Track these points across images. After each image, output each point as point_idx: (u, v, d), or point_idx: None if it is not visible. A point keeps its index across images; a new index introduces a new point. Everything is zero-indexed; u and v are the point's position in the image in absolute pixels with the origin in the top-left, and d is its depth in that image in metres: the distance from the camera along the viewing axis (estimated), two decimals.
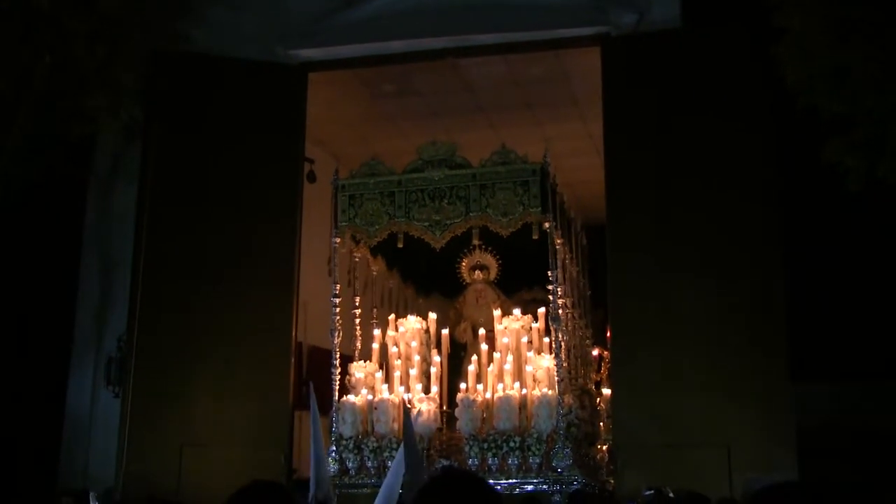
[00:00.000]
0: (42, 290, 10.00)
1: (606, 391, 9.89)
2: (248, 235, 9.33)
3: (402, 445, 6.95)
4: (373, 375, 8.80)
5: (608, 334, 9.51)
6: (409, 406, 7.73)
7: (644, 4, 9.25)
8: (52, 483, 9.33)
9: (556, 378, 8.20)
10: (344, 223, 8.78)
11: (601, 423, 9.76)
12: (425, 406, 8.34)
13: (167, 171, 9.56)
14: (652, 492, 7.30)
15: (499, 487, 7.87)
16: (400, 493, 5.41)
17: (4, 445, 9.47)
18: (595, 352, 10.57)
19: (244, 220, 9.37)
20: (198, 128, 9.54)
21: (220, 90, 9.65)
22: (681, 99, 8.88)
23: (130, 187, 9.77)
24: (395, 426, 8.46)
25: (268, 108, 9.65)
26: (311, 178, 10.38)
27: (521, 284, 10.00)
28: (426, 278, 10.60)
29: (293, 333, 9.39)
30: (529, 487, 7.91)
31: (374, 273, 9.72)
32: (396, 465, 5.88)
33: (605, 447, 9.56)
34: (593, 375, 10.40)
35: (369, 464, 8.33)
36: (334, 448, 8.57)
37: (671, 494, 6.94)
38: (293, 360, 9.40)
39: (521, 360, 8.53)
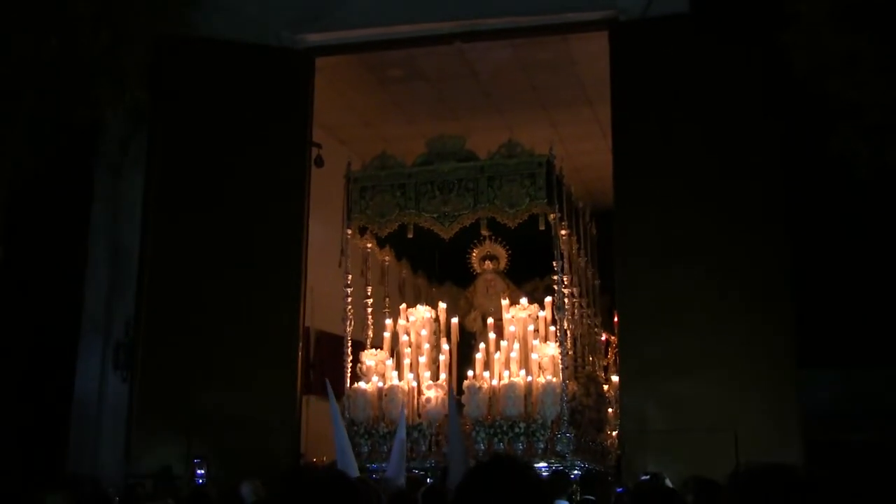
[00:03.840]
0: (50, 275, 10.11)
1: (615, 378, 10.01)
2: (256, 220, 9.55)
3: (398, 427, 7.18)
4: (383, 363, 9.01)
5: (615, 319, 9.61)
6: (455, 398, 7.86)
7: None
8: (62, 467, 9.45)
9: (560, 365, 8.34)
10: (356, 214, 9.20)
11: (609, 410, 9.89)
12: (434, 393, 8.54)
13: (174, 156, 9.76)
14: (648, 477, 7.48)
15: None
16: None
17: (14, 430, 9.60)
18: (602, 337, 10.68)
19: (251, 205, 9.60)
20: (204, 113, 9.73)
21: (226, 75, 9.84)
22: (688, 84, 9.08)
23: (137, 172, 9.94)
24: (405, 412, 8.64)
25: (274, 93, 9.85)
26: (319, 162, 10.54)
27: (532, 274, 10.15)
28: (438, 268, 10.76)
29: (301, 318, 9.53)
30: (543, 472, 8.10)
31: (387, 263, 9.88)
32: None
33: (614, 433, 9.70)
34: (602, 361, 10.52)
35: (381, 448, 8.48)
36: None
37: (667, 480, 7.11)
38: (301, 344, 9.50)
39: (527, 348, 8.77)
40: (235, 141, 9.82)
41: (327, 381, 7.10)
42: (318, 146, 10.75)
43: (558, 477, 7.53)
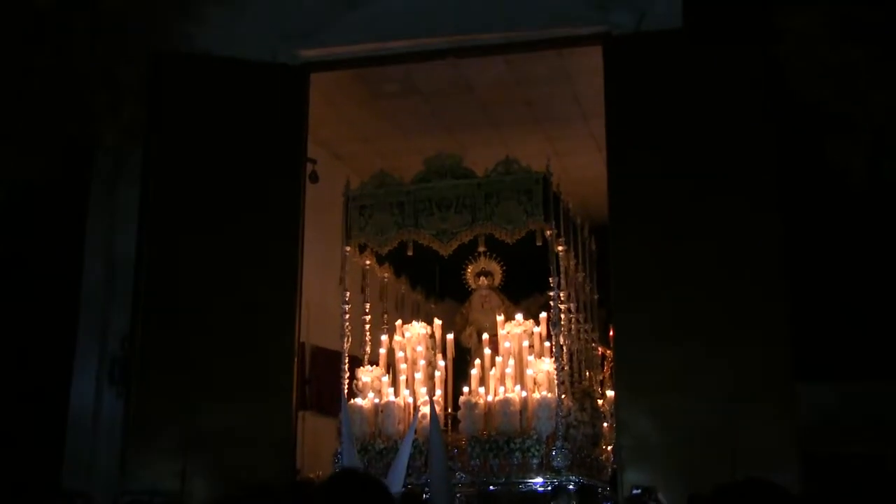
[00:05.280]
0: (45, 290, 10.08)
1: (611, 392, 10.00)
2: (251, 236, 9.60)
3: (403, 443, 7.25)
4: (379, 379, 9.07)
5: (611, 333, 9.58)
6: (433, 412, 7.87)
7: (646, 3, 9.48)
8: (56, 484, 9.38)
9: (555, 381, 8.35)
10: (355, 233, 9.43)
11: (605, 424, 9.88)
12: (429, 409, 8.52)
13: (169, 172, 9.78)
14: (640, 491, 7.47)
15: (499, 486, 8.37)
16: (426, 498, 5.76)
17: (8, 446, 9.55)
18: (598, 351, 10.66)
19: (247, 220, 9.65)
20: (200, 128, 9.80)
21: (221, 90, 9.92)
22: (682, 98, 9.15)
23: (133, 187, 9.95)
24: (401, 428, 8.67)
25: (269, 108, 9.91)
26: (314, 178, 10.58)
27: (530, 289, 10.17)
28: (435, 284, 10.81)
29: (296, 334, 9.57)
30: (538, 487, 8.11)
31: (385, 280, 9.93)
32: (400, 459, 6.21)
33: (610, 448, 9.69)
34: (598, 376, 10.52)
35: (377, 464, 8.50)
36: (341, 449, 8.79)
37: (660, 495, 7.09)
38: (296, 360, 9.47)
39: (522, 364, 8.80)
40: (231, 156, 9.85)
41: (343, 393, 6.96)
42: (314, 162, 10.77)
43: (557, 491, 7.60)
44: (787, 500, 2.47)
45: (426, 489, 8.13)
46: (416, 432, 8.82)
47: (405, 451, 7.64)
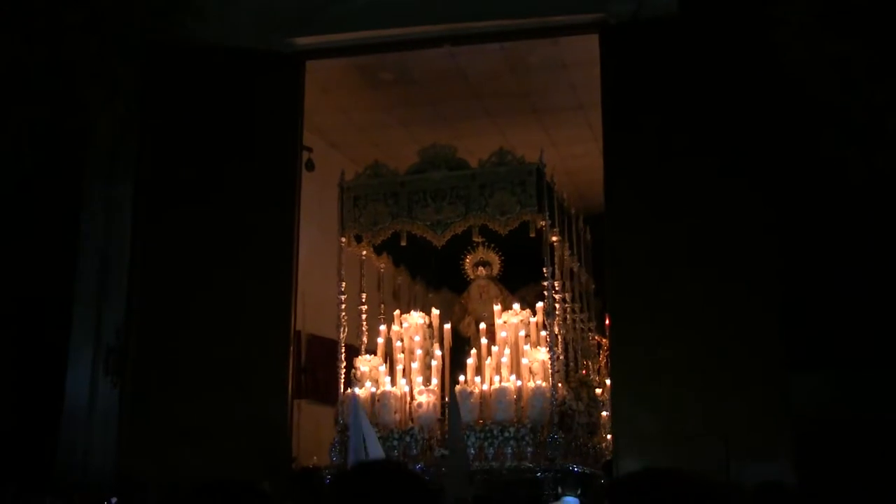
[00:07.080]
0: (40, 281, 10.13)
1: (609, 381, 10.11)
2: (246, 224, 9.72)
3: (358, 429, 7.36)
4: (377, 369, 9.16)
5: (607, 322, 9.67)
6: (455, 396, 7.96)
7: None
8: (50, 475, 9.44)
9: (550, 370, 8.47)
10: (349, 223, 9.55)
11: (603, 413, 9.99)
12: (425, 398, 8.66)
13: (164, 162, 9.76)
14: None
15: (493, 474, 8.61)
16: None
17: (2, 437, 9.59)
18: (595, 340, 10.76)
19: (242, 208, 9.77)
20: (194, 118, 9.84)
21: (216, 80, 10.02)
22: (679, 87, 9.14)
23: (127, 178, 9.93)
24: (398, 417, 8.75)
25: (265, 97, 10.02)
26: (309, 166, 10.65)
27: (528, 279, 10.29)
28: (435, 274, 10.93)
29: (292, 322, 9.69)
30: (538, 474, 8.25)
31: (382, 270, 10.04)
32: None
33: (609, 436, 9.79)
34: (596, 365, 10.62)
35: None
36: (338, 438, 8.87)
37: None
38: (292, 348, 9.54)
39: (518, 353, 8.88)
40: (226, 145, 9.95)
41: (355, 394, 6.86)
42: (309, 150, 10.82)
43: (565, 477, 7.75)
44: (690, 489, 2.42)
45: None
46: (412, 421, 8.92)
47: (356, 439, 7.57)
